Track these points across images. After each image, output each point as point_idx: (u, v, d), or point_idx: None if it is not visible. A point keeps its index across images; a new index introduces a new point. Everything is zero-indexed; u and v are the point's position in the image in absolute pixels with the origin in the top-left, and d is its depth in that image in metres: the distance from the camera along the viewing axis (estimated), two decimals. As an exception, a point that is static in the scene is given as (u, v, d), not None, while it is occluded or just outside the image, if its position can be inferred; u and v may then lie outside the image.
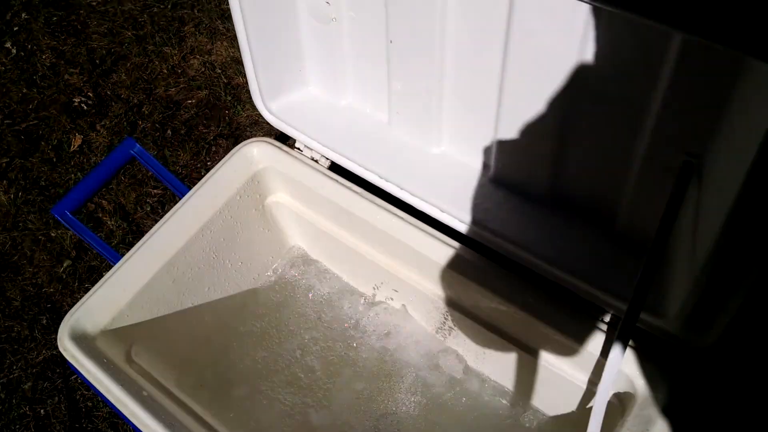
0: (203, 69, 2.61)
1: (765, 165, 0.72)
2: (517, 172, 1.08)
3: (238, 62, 2.61)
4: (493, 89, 0.99)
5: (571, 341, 1.08)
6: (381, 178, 1.21)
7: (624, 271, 1.03)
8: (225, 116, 2.46)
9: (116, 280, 1.25)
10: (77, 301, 2.03)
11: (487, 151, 1.11)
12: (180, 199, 1.38)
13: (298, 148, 1.37)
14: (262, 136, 2.25)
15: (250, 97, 2.53)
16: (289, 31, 1.21)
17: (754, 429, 1.00)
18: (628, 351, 1.05)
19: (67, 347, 1.17)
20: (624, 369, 1.05)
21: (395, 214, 1.25)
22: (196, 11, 2.79)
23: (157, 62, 2.64)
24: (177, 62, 2.64)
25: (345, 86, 1.25)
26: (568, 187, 1.05)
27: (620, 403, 1.10)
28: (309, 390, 1.44)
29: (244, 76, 2.60)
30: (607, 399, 0.96)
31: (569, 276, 1.04)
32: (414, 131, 1.19)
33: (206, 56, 2.65)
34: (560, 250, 1.06)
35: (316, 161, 1.35)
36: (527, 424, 1.35)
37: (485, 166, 1.14)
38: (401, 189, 1.20)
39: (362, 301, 1.49)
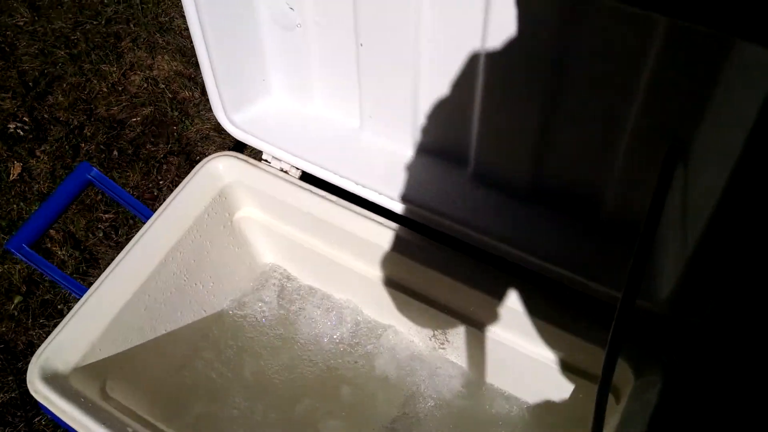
0: (145, 85, 2.52)
1: (755, 145, 0.74)
2: (499, 168, 1.07)
3: (182, 76, 2.53)
4: (471, 85, 0.98)
5: (565, 333, 1.08)
6: (357, 184, 1.18)
7: (612, 258, 1.03)
8: (173, 132, 2.38)
9: (85, 314, 1.18)
10: (32, 338, 1.94)
11: (466, 149, 1.09)
12: (144, 222, 1.32)
13: (266, 160, 1.33)
14: (215, 150, 2.17)
15: (198, 111, 2.46)
16: (251, 39, 1.16)
17: (748, 407, 1.02)
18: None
19: (39, 389, 1.09)
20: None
21: (375, 221, 1.23)
22: (132, 26, 2.69)
23: (95, 81, 2.53)
24: (117, 79, 2.53)
25: (313, 93, 1.22)
26: (551, 180, 1.05)
27: (613, 390, 1.11)
28: (293, 411, 1.39)
29: (190, 89, 2.52)
30: (609, 388, 0.96)
31: (559, 268, 1.04)
32: (389, 134, 1.17)
33: (147, 71, 2.55)
34: (547, 244, 1.05)
35: (286, 172, 1.31)
36: (520, 416, 1.35)
37: (465, 164, 1.12)
38: (379, 194, 1.17)
39: (344, 313, 1.46)
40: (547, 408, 1.33)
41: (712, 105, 0.81)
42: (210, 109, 2.38)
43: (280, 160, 1.29)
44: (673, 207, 0.93)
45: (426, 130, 1.12)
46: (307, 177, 1.29)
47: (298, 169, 1.29)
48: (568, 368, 1.20)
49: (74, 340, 1.16)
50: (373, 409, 1.37)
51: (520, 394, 1.35)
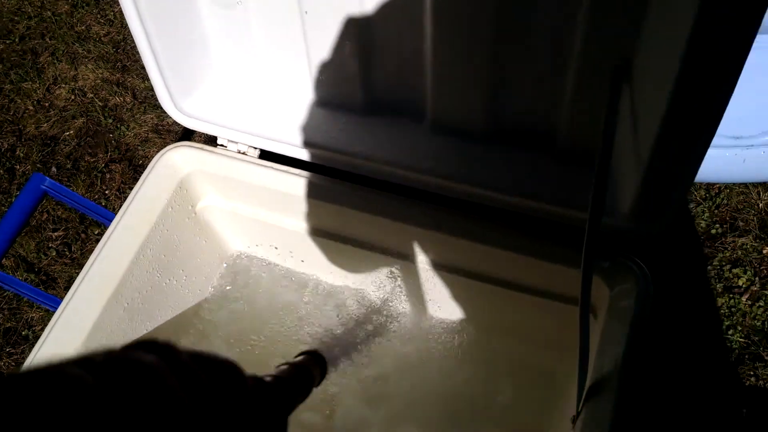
0: (73, 97, 2.44)
1: (693, 54, 0.79)
2: (456, 115, 1.11)
3: (110, 82, 2.46)
4: (420, 35, 1.01)
5: (538, 260, 1.14)
6: (318, 152, 1.20)
7: (573, 183, 1.09)
8: (110, 140, 2.32)
9: (65, 324, 1.17)
10: (1, 369, 1.87)
11: (422, 102, 1.12)
12: (107, 225, 1.30)
13: (222, 145, 1.32)
14: (157, 151, 2.15)
15: (133, 115, 2.41)
16: (192, 23, 1.16)
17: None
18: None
19: (32, 405, 1.07)
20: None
21: (343, 186, 1.25)
22: (48, 39, 2.60)
23: (18, 100, 2.44)
24: (42, 96, 2.45)
25: (260, 69, 1.22)
26: (506, 119, 1.09)
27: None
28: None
29: (120, 95, 2.46)
30: (590, 304, 1.02)
31: (523, 199, 1.08)
32: (343, 99, 1.19)
33: (72, 83, 2.48)
34: (510, 179, 1.10)
35: (244, 153, 1.31)
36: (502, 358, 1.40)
37: (422, 117, 1.15)
38: (341, 158, 1.19)
39: (319, 285, 1.48)
40: (516, 331, 1.37)
41: (648, 22, 0.86)
42: (145, 112, 2.35)
43: (236, 143, 1.30)
44: (625, 126, 0.98)
45: (381, 90, 1.15)
46: (266, 155, 1.30)
47: (255, 148, 1.30)
48: (521, 289, 1.24)
49: (58, 351, 1.15)
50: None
51: (473, 322, 1.40)
